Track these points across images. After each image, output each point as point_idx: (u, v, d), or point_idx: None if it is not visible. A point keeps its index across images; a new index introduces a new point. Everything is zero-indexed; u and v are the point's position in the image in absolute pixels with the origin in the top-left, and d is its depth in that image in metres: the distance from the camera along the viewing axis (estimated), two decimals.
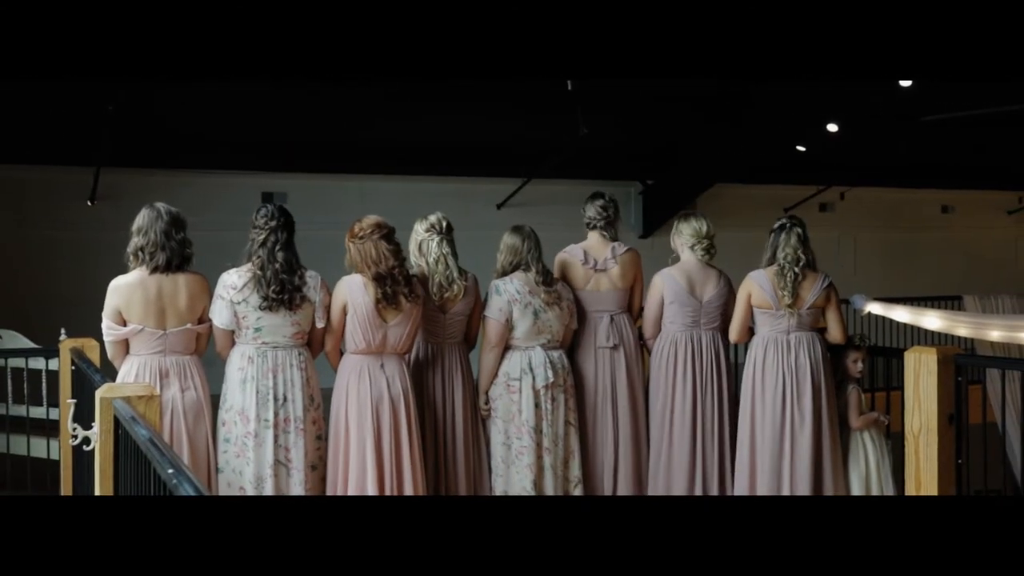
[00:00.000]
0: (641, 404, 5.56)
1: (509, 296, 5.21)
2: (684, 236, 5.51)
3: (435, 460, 5.12)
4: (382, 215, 4.95)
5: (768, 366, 5.23)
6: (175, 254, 4.52)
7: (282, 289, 4.66)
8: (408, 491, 4.75)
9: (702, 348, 5.43)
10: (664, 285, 5.48)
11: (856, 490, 5.23)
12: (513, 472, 5.21)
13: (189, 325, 4.58)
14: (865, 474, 5.24)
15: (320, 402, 4.89)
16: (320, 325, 4.82)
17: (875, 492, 5.24)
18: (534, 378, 5.20)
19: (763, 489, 5.26)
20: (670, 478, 5.44)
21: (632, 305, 5.62)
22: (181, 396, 4.55)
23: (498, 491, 5.24)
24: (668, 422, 5.44)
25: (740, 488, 5.33)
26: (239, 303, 4.70)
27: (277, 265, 4.68)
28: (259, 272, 4.69)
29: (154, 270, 4.51)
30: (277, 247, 4.71)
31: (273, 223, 4.75)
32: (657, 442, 5.50)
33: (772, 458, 5.22)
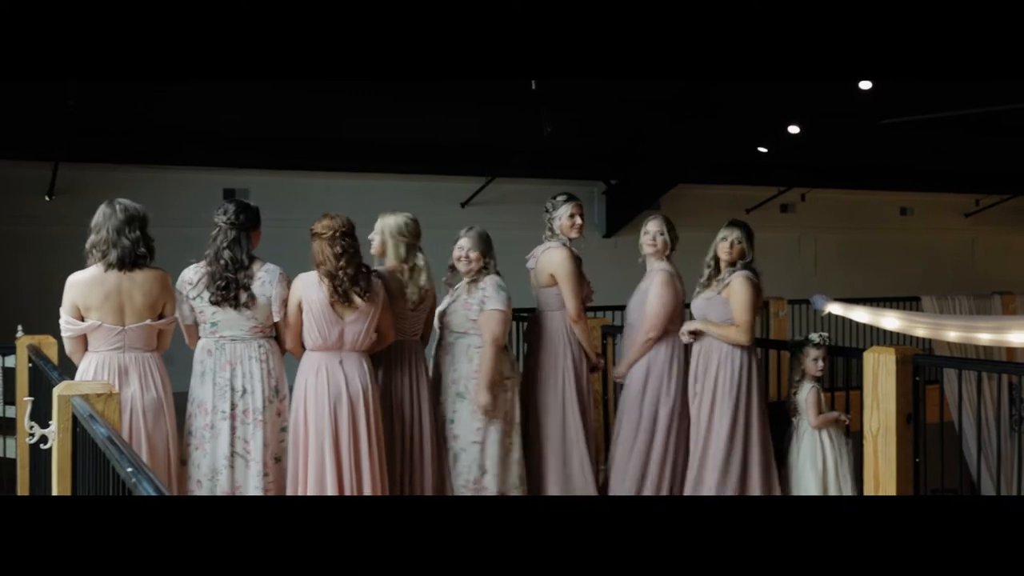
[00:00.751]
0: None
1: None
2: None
3: (402, 457, 5.09)
4: (344, 213, 4.91)
5: None
6: (128, 251, 4.48)
7: (226, 286, 4.72)
8: (368, 490, 4.72)
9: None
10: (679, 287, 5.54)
11: (813, 489, 5.26)
12: (509, 469, 5.22)
13: (148, 321, 4.53)
14: (823, 473, 5.28)
15: (286, 394, 4.89)
16: (276, 319, 4.82)
17: (832, 491, 5.27)
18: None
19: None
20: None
21: (563, 302, 5.46)
22: (141, 396, 4.51)
23: (493, 491, 5.17)
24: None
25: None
26: (194, 298, 4.79)
27: (222, 263, 4.74)
28: (208, 268, 4.77)
29: (108, 267, 4.48)
30: (224, 245, 4.75)
31: (224, 220, 4.79)
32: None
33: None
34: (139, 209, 4.58)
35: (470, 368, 5.20)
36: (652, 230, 5.52)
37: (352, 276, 4.74)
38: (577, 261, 5.45)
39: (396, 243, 5.11)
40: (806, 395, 5.33)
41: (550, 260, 5.41)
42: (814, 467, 5.29)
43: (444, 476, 5.23)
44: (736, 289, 5.32)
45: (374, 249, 5.17)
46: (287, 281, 4.85)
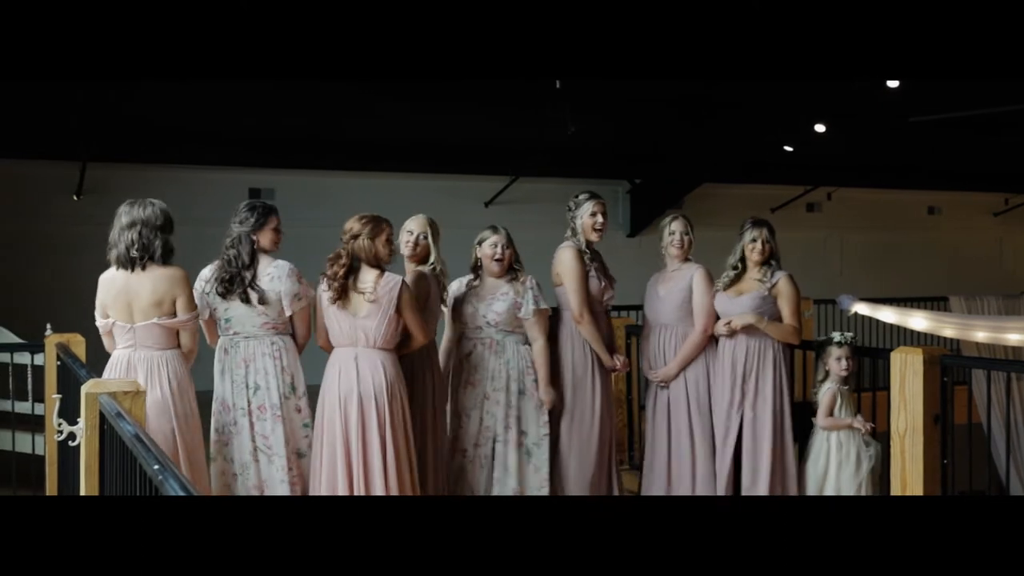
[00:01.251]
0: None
1: None
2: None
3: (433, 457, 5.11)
4: (369, 212, 4.92)
5: None
6: (123, 252, 4.54)
7: (230, 280, 4.83)
8: (376, 490, 4.67)
9: None
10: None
11: (810, 490, 5.25)
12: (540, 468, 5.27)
13: (155, 319, 4.56)
14: (822, 475, 5.23)
15: (304, 390, 4.94)
16: (288, 313, 4.89)
17: (828, 494, 5.23)
18: None
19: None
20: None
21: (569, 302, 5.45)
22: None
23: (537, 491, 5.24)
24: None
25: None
26: (208, 294, 4.90)
27: (225, 259, 4.87)
28: (217, 264, 4.92)
29: (117, 266, 4.57)
30: (229, 243, 4.87)
31: (235, 218, 4.92)
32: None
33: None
34: (152, 210, 4.61)
35: (524, 366, 5.25)
36: (678, 230, 5.49)
37: (341, 275, 4.74)
38: (584, 261, 5.37)
39: (436, 244, 5.17)
40: (822, 395, 5.30)
41: (558, 259, 5.42)
42: (815, 468, 5.26)
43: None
44: (785, 289, 5.35)
45: (409, 250, 5.14)
46: (297, 276, 4.90)
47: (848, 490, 5.17)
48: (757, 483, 5.28)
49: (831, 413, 5.24)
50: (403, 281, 4.80)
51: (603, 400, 5.42)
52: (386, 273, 4.80)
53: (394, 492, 4.70)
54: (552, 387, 5.25)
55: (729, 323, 5.32)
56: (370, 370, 4.74)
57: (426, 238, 5.14)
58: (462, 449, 5.26)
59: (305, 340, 5.00)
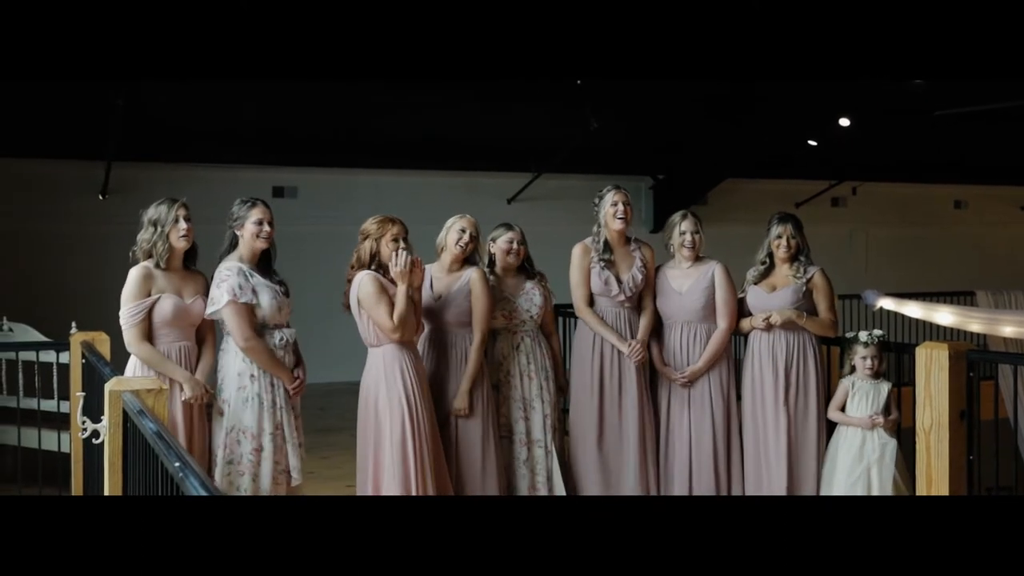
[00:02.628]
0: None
1: None
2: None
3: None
4: (390, 210, 4.96)
5: None
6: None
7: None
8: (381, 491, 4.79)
9: None
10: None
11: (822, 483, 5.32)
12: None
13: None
14: (831, 469, 5.25)
15: (223, 390, 4.70)
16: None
17: (823, 488, 5.26)
18: None
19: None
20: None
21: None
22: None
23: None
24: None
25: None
26: None
27: None
28: None
29: None
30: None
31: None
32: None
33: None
34: (148, 209, 4.64)
35: (545, 361, 5.44)
36: (689, 229, 5.49)
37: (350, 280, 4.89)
38: (590, 256, 5.49)
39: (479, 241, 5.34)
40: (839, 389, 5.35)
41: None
42: (816, 459, 5.32)
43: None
44: (820, 283, 5.43)
45: (464, 250, 5.22)
46: (221, 280, 4.63)
47: (835, 484, 5.17)
48: (800, 479, 5.34)
49: (843, 408, 5.27)
50: (363, 279, 4.79)
51: (636, 396, 5.48)
52: (356, 274, 4.83)
53: (401, 491, 4.71)
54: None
55: (767, 318, 5.35)
56: (368, 368, 4.90)
57: (476, 237, 5.27)
58: (536, 440, 5.34)
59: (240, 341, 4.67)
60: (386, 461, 4.72)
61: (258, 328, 4.64)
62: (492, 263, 5.41)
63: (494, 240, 5.42)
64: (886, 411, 5.22)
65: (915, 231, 14.58)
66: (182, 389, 4.55)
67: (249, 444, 4.58)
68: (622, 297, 5.46)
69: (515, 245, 5.38)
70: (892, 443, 5.16)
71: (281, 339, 4.69)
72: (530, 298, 5.37)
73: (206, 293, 4.68)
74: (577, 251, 5.54)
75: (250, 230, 4.66)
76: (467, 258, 5.24)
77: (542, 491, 5.28)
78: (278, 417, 4.64)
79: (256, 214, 4.67)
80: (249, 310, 4.59)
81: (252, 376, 4.60)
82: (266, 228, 4.67)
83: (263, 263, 4.75)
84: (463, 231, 5.19)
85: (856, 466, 5.14)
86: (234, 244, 4.71)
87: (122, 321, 4.55)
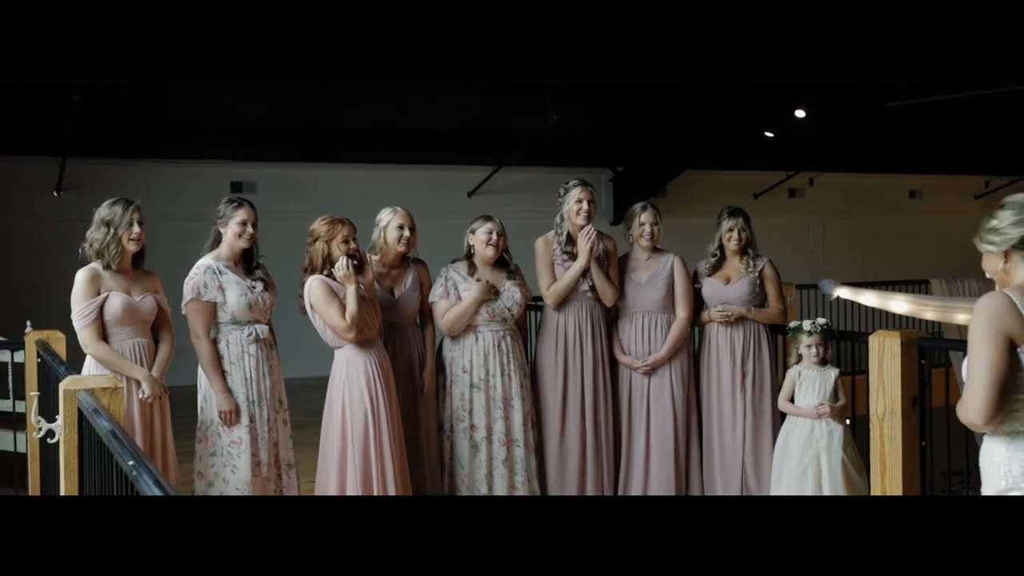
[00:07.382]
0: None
1: None
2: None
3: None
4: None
5: None
6: None
7: None
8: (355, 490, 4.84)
9: None
10: None
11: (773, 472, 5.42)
12: None
13: None
14: (781, 458, 5.33)
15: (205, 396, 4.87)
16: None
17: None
18: None
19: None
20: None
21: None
22: None
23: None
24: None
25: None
26: None
27: None
28: None
29: None
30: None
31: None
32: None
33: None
34: (101, 208, 4.69)
35: (523, 358, 5.52)
36: (648, 220, 5.57)
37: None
38: (552, 248, 5.54)
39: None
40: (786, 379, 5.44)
41: None
42: (772, 446, 5.44)
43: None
44: (771, 274, 5.67)
45: (407, 247, 5.32)
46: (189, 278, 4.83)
47: (800, 470, 5.24)
48: (760, 467, 5.50)
49: (791, 398, 5.34)
50: (311, 285, 4.83)
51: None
52: (306, 279, 4.88)
53: (377, 490, 4.75)
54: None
55: (725, 311, 5.53)
56: (333, 368, 4.92)
57: (414, 228, 5.30)
58: (516, 440, 5.37)
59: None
60: (349, 461, 4.75)
61: (227, 324, 4.80)
62: (471, 255, 5.38)
63: (473, 232, 5.37)
64: (835, 397, 5.30)
65: (871, 221, 14.76)
66: (139, 386, 4.57)
67: (227, 436, 4.75)
68: (585, 287, 5.50)
69: (494, 237, 5.32)
70: (839, 428, 5.24)
71: (250, 335, 4.80)
72: (511, 296, 5.36)
73: (157, 290, 4.84)
74: (540, 244, 5.58)
75: (233, 230, 4.83)
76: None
77: (521, 491, 5.28)
78: (252, 410, 4.79)
79: (241, 215, 4.84)
80: (210, 308, 4.75)
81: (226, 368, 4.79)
82: (249, 229, 4.85)
83: (245, 261, 4.92)
84: (401, 227, 5.23)
85: (806, 452, 5.21)
86: (218, 240, 4.88)
87: (75, 323, 4.63)
